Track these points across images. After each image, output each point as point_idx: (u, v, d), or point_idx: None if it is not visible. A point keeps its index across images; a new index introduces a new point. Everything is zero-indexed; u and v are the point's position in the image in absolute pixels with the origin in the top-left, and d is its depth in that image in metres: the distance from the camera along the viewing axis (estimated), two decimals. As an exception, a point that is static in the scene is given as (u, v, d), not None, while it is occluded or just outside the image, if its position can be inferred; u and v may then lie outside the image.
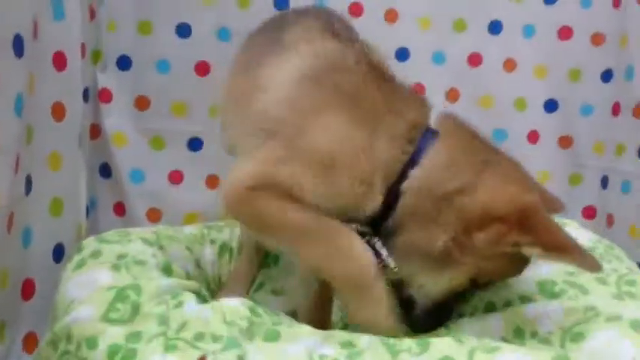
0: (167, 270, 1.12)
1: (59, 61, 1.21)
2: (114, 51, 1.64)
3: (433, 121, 1.04)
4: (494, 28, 1.76)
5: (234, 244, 1.41)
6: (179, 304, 0.95)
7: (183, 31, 1.65)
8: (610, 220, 1.75)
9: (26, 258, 1.19)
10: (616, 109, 1.74)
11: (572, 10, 1.75)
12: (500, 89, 1.79)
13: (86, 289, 0.97)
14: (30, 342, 1.19)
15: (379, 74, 1.03)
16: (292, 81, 1.02)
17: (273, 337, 0.86)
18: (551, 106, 1.80)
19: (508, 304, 1.01)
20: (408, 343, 0.83)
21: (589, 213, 1.83)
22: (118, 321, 0.90)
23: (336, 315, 1.22)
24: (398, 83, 1.06)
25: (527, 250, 0.87)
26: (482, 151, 0.98)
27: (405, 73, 1.67)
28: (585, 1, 1.74)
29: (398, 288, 0.97)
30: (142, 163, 1.69)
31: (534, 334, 0.93)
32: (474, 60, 1.78)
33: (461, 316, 1.02)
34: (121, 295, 0.94)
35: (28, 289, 1.19)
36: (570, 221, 1.29)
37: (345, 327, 1.16)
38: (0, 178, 1.05)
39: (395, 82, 1.05)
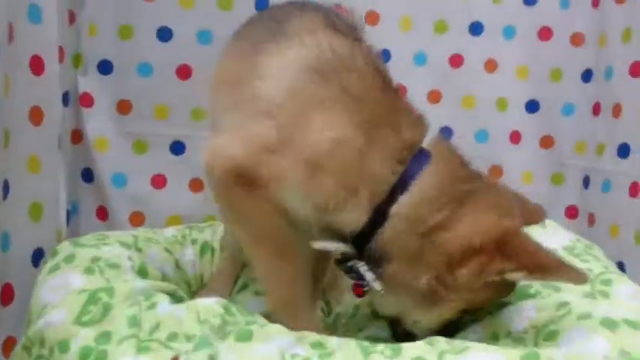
0: (142, 272, 1.13)
1: (36, 64, 1.21)
2: (95, 55, 1.64)
3: (427, 143, 0.99)
4: (475, 29, 1.78)
5: (216, 244, 1.42)
6: (152, 306, 0.95)
7: (164, 34, 1.65)
8: (591, 220, 1.76)
9: (5, 262, 1.18)
10: (596, 109, 1.75)
11: (551, 10, 1.76)
12: (481, 90, 1.80)
13: (59, 293, 0.97)
14: (9, 347, 1.18)
15: (384, 81, 1.00)
16: (296, 70, 0.98)
17: (245, 336, 0.86)
18: (532, 106, 1.81)
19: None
20: (382, 346, 0.84)
21: (571, 212, 1.84)
22: (90, 323, 0.90)
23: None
24: (399, 95, 1.02)
25: (511, 276, 0.86)
26: (467, 181, 0.94)
27: (386, 74, 1.73)
28: (564, 1, 1.76)
29: (395, 324, 0.99)
30: (125, 167, 1.69)
31: (508, 334, 0.93)
32: (456, 61, 1.79)
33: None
34: (93, 297, 0.94)
35: (6, 294, 1.19)
36: (549, 221, 1.30)
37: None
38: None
39: (397, 94, 1.02)
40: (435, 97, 1.80)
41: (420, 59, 1.78)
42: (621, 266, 1.56)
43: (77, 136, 1.65)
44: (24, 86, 1.19)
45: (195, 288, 1.37)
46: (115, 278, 1.03)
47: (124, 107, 1.67)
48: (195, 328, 0.89)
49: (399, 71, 1.72)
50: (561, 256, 0.87)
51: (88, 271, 1.03)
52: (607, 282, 0.99)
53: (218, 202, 1.04)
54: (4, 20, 1.10)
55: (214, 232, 1.44)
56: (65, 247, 1.11)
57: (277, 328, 0.89)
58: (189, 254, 1.40)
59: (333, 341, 0.85)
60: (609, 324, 0.85)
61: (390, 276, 0.92)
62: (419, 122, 0.99)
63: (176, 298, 1.03)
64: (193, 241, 1.42)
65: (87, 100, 1.65)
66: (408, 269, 0.90)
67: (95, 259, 1.07)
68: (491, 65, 1.79)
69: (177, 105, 1.68)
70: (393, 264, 0.91)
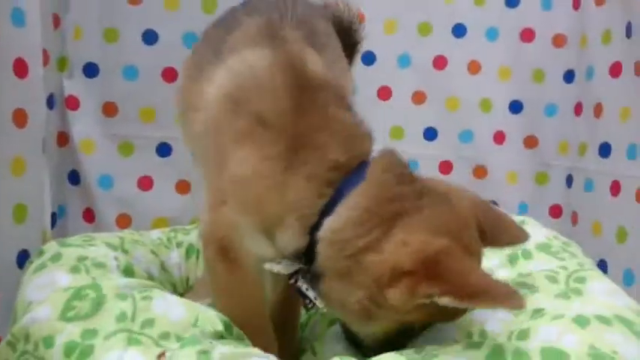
0: (128, 272, 1.13)
1: (20, 68, 1.21)
2: (80, 58, 1.66)
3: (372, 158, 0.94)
4: (459, 31, 1.80)
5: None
6: (147, 298, 0.96)
7: (150, 37, 1.67)
8: (574, 219, 1.78)
9: (-11, 264, 1.19)
10: (578, 109, 1.77)
11: (533, 12, 1.79)
12: (465, 91, 1.82)
13: (44, 291, 0.98)
14: (-6, 347, 1.19)
15: (310, 98, 0.92)
16: (217, 100, 0.96)
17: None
18: (515, 107, 1.83)
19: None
20: None
21: (555, 212, 1.86)
22: (75, 318, 0.91)
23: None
24: (334, 110, 0.92)
25: (440, 301, 0.78)
26: (402, 199, 0.87)
27: (371, 76, 1.75)
28: (546, 3, 1.78)
29: (346, 331, 0.98)
30: (111, 169, 1.71)
31: (483, 334, 0.94)
32: (439, 63, 1.81)
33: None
34: (78, 294, 0.94)
35: (-9, 296, 1.20)
36: (529, 219, 1.31)
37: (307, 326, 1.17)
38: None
39: (329, 109, 0.92)
40: (419, 98, 1.82)
41: (405, 61, 1.80)
42: (604, 264, 1.58)
43: (63, 138, 1.66)
44: (8, 89, 1.19)
45: (181, 290, 1.38)
46: (101, 277, 1.04)
47: (109, 110, 1.69)
48: (188, 331, 0.91)
49: (383, 73, 1.79)
50: (501, 281, 0.80)
51: (74, 269, 1.04)
52: (581, 279, 1.00)
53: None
54: (-13, 23, 1.12)
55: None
56: (51, 247, 1.12)
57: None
58: (175, 257, 1.40)
59: None
60: (581, 321, 0.86)
61: (326, 294, 0.90)
62: (353, 139, 0.92)
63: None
64: (179, 244, 1.43)
65: (73, 103, 1.66)
66: (341, 288, 0.88)
67: (81, 259, 1.08)
68: (474, 67, 1.81)
69: (163, 107, 1.69)
70: (328, 282, 0.89)
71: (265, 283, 1.04)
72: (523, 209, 1.83)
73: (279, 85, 0.92)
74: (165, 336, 0.90)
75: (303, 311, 1.14)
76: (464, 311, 0.87)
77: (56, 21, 1.59)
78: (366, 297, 0.84)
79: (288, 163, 0.88)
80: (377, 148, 0.95)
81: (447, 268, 0.79)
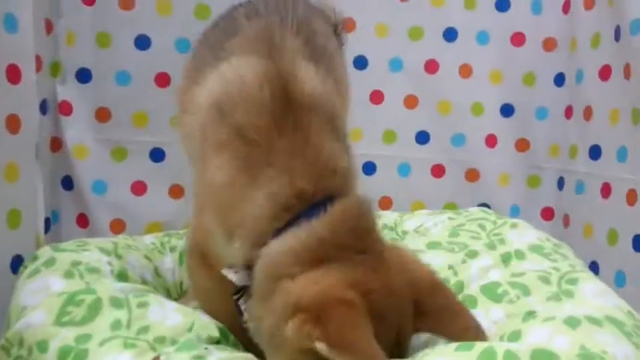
0: (122, 277, 1.14)
1: (13, 73, 1.22)
2: (73, 64, 1.66)
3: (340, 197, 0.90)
4: (450, 35, 1.81)
5: (195, 251, 1.43)
6: (143, 305, 0.97)
7: (143, 42, 1.67)
8: (566, 221, 1.79)
9: (-17, 270, 1.19)
10: (569, 112, 1.78)
11: (523, 16, 1.80)
12: (457, 95, 1.83)
13: (38, 296, 0.98)
14: (-12, 353, 1.19)
15: (294, 118, 0.91)
16: (206, 106, 0.97)
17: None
18: (507, 110, 1.85)
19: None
20: None
21: (547, 214, 1.87)
22: (69, 324, 0.91)
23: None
24: (316, 137, 0.91)
25: (317, 345, 0.76)
26: (343, 249, 0.86)
27: (363, 80, 1.76)
28: (536, 7, 1.79)
29: None
30: (104, 174, 1.71)
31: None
32: (431, 67, 1.82)
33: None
34: (73, 299, 0.95)
35: (-15, 301, 1.20)
36: (521, 221, 1.33)
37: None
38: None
39: (311, 134, 0.91)
40: (411, 102, 1.83)
41: (396, 65, 1.81)
42: (595, 266, 1.59)
43: (56, 144, 1.67)
44: (1, 95, 1.20)
45: (175, 295, 1.38)
46: (94, 282, 1.05)
47: (103, 115, 1.69)
48: (183, 335, 0.92)
49: (375, 77, 1.80)
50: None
51: (68, 274, 1.05)
52: (573, 281, 1.01)
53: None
54: (-21, 30, 1.12)
55: (193, 239, 1.45)
56: (45, 252, 1.12)
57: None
58: (169, 262, 1.41)
59: None
60: (572, 322, 0.87)
61: (250, 315, 0.92)
62: (325, 172, 0.90)
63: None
64: (172, 249, 1.43)
65: (66, 109, 1.67)
66: (260, 311, 0.88)
67: (75, 264, 1.08)
68: (465, 70, 1.82)
69: (156, 112, 1.70)
70: (252, 303, 0.90)
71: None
72: (515, 212, 1.84)
73: (265, 100, 0.91)
74: (160, 340, 0.91)
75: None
76: None
77: (49, 26, 1.59)
78: (275, 325, 0.83)
79: (254, 179, 0.89)
80: (359, 190, 0.95)
81: (336, 317, 0.77)
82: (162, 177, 1.72)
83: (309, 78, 0.96)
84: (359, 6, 1.75)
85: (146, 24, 1.67)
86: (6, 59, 1.21)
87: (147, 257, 1.33)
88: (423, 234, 1.42)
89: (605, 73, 1.60)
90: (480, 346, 0.78)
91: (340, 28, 1.37)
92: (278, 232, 0.88)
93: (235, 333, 1.00)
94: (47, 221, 1.62)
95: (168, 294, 1.34)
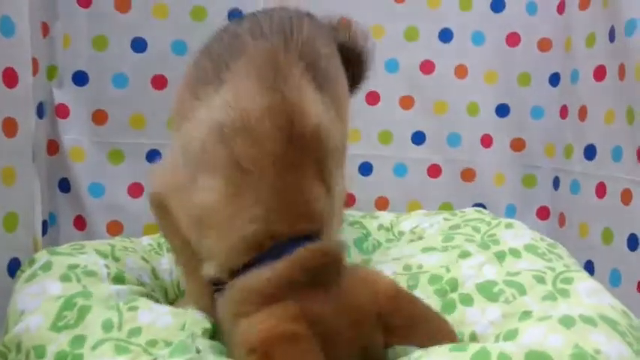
0: (119, 280, 1.14)
1: (9, 77, 1.22)
2: (70, 67, 1.66)
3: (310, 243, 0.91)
4: (445, 36, 1.81)
5: (192, 252, 1.43)
6: (133, 309, 0.97)
7: (139, 45, 1.67)
8: (562, 221, 1.80)
9: (-19, 273, 1.20)
10: (564, 112, 1.79)
11: (518, 17, 1.80)
12: (452, 95, 1.84)
13: (36, 300, 0.99)
14: (-15, 357, 1.19)
15: (289, 158, 0.92)
16: (208, 126, 0.97)
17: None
18: (502, 110, 1.85)
19: (450, 304, 1.05)
20: None
21: (543, 214, 1.88)
22: (65, 328, 0.92)
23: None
24: (302, 180, 0.93)
25: None
26: (297, 288, 0.86)
27: (359, 81, 1.77)
28: (531, 8, 1.80)
29: None
30: (101, 176, 1.71)
31: (472, 336, 0.97)
32: (427, 67, 1.82)
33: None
34: (69, 303, 0.96)
35: (-18, 304, 1.20)
36: (516, 222, 1.33)
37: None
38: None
39: (299, 177, 0.92)
40: (407, 103, 1.83)
41: (392, 66, 1.82)
42: (590, 265, 1.60)
43: (53, 146, 1.67)
44: (-3, 98, 1.21)
45: (172, 296, 1.38)
46: (91, 285, 1.05)
47: (99, 118, 1.69)
48: (176, 336, 0.92)
49: (371, 78, 1.79)
50: None
51: (65, 278, 1.05)
52: (568, 280, 1.01)
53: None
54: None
55: (190, 240, 1.46)
56: (42, 256, 1.12)
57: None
58: (166, 263, 1.41)
59: None
60: (566, 322, 0.88)
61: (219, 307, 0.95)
62: (302, 217, 0.92)
63: (154, 299, 1.05)
64: (169, 250, 1.44)
65: (63, 112, 1.67)
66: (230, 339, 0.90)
67: (72, 267, 1.09)
68: (461, 71, 1.83)
69: (152, 115, 1.71)
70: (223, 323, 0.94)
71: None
72: (511, 211, 1.85)
73: (267, 134, 0.92)
74: (152, 343, 0.92)
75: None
76: None
77: (45, 30, 1.60)
78: (240, 356, 0.85)
79: (238, 209, 0.91)
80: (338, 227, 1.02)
81: (280, 353, 0.79)
82: (160, 179, 1.72)
83: (313, 110, 0.96)
84: (355, 8, 1.74)
85: (142, 27, 1.67)
86: (3, 63, 1.21)
87: (144, 259, 1.33)
88: (419, 235, 1.43)
89: (600, 73, 1.61)
90: (473, 347, 0.78)
91: (366, 55, 1.39)
92: (245, 267, 0.90)
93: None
94: (44, 224, 1.63)
95: (166, 295, 1.35)
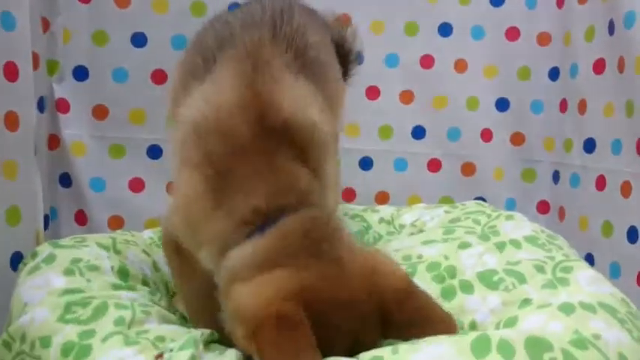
0: (123, 273, 1.15)
1: (10, 71, 1.23)
2: (70, 62, 1.67)
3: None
4: (444, 30, 1.82)
5: (193, 247, 1.44)
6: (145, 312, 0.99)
7: (139, 40, 1.68)
8: (562, 214, 1.80)
9: (-17, 267, 1.20)
10: (563, 106, 1.79)
11: (518, 11, 1.81)
12: (452, 90, 1.84)
13: (40, 293, 0.99)
14: (-12, 349, 1.20)
15: (262, 145, 0.96)
16: (187, 121, 1.01)
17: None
18: (502, 104, 1.86)
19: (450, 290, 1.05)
20: None
21: (543, 208, 1.88)
22: (74, 321, 0.93)
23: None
24: (282, 161, 0.96)
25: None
26: (290, 255, 0.88)
27: (359, 76, 1.76)
28: (530, 2, 1.80)
29: None
30: (102, 171, 1.72)
31: (472, 325, 0.97)
32: (426, 62, 1.83)
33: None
34: (81, 300, 0.97)
35: (-15, 298, 1.20)
36: (517, 214, 1.34)
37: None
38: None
39: (277, 159, 0.96)
40: (407, 97, 1.84)
41: (392, 61, 1.82)
42: (590, 258, 1.61)
43: (54, 141, 1.68)
44: (-1, 92, 1.21)
45: (173, 290, 1.39)
46: (95, 279, 1.06)
47: (100, 112, 1.70)
48: (183, 335, 0.93)
49: (371, 73, 1.80)
50: None
51: (68, 271, 1.06)
52: (567, 269, 1.02)
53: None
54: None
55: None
56: (45, 249, 1.13)
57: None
58: (167, 256, 1.42)
59: None
60: (566, 309, 0.88)
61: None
62: (279, 191, 0.94)
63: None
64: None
65: (63, 106, 1.68)
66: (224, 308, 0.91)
67: (75, 261, 1.09)
68: (460, 65, 1.83)
69: (153, 109, 1.71)
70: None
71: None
72: (511, 205, 1.86)
73: (236, 130, 0.96)
74: (160, 339, 0.93)
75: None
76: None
77: (45, 25, 1.60)
78: (231, 327, 0.86)
79: (218, 200, 0.95)
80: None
81: (269, 334, 0.79)
82: (160, 173, 1.73)
83: (287, 104, 0.99)
84: (355, 3, 1.76)
85: (142, 21, 1.68)
86: (4, 56, 1.22)
87: (145, 252, 1.34)
88: (420, 228, 1.43)
89: (599, 66, 1.61)
90: (474, 333, 0.79)
91: (353, 56, 1.40)
92: (237, 245, 0.93)
93: (207, 306, 1.03)
94: (46, 218, 1.63)
95: (167, 288, 1.35)
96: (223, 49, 1.07)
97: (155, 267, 1.34)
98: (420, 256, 1.17)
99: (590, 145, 1.66)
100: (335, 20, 1.39)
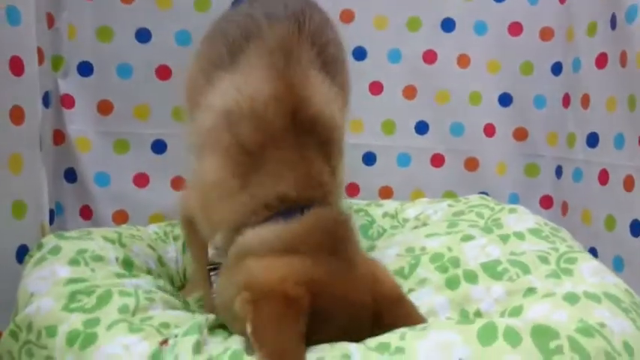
0: (128, 264, 1.16)
1: (16, 65, 1.23)
2: (75, 57, 1.68)
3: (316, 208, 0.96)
4: (447, 25, 1.82)
5: (198, 240, 1.45)
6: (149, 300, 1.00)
7: (143, 35, 1.69)
8: (565, 209, 1.81)
9: (-11, 259, 1.21)
10: (566, 101, 1.80)
11: (520, 6, 1.81)
12: (455, 85, 1.84)
13: (46, 283, 1.00)
14: (-7, 342, 1.20)
15: (293, 138, 0.98)
16: (217, 110, 1.03)
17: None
18: (505, 99, 1.86)
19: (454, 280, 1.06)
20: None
21: (546, 202, 1.89)
22: (79, 310, 0.94)
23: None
24: (308, 154, 0.99)
25: (247, 327, 0.81)
26: (310, 246, 0.90)
27: (362, 72, 1.78)
28: (533, -3, 1.81)
29: None
30: (107, 166, 1.73)
31: (477, 314, 0.98)
32: (429, 57, 1.83)
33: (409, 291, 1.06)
34: (86, 289, 0.98)
35: (-10, 290, 1.21)
36: (520, 207, 1.34)
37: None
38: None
39: (305, 152, 0.99)
40: (410, 92, 1.84)
41: (395, 56, 1.83)
42: (593, 252, 1.61)
43: (59, 136, 1.68)
44: (4, 86, 1.21)
45: (178, 284, 1.40)
46: (100, 269, 1.07)
47: (104, 108, 1.71)
48: (187, 321, 0.94)
49: (374, 68, 1.81)
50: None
51: (74, 262, 1.07)
52: (571, 260, 1.02)
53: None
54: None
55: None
56: (50, 240, 1.14)
57: None
58: (172, 251, 1.43)
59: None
60: (571, 298, 0.89)
61: (216, 285, 0.99)
62: (309, 184, 0.97)
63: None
64: (175, 238, 1.45)
65: (68, 102, 1.68)
66: (223, 282, 0.95)
67: (80, 252, 1.10)
68: (463, 60, 1.83)
69: (157, 104, 1.72)
70: (219, 277, 0.98)
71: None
72: (514, 200, 1.86)
73: (270, 121, 0.99)
74: (165, 325, 0.94)
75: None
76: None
77: (50, 20, 1.61)
78: (230, 298, 0.87)
79: (244, 183, 0.97)
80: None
81: (269, 309, 0.81)
82: (164, 168, 1.74)
83: (317, 98, 1.02)
84: (359, -2, 1.77)
85: (146, 17, 1.68)
86: (9, 51, 1.22)
87: (150, 246, 1.35)
88: (424, 222, 1.44)
89: (601, 61, 1.61)
90: (480, 320, 0.79)
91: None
92: (255, 225, 0.95)
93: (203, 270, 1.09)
94: (51, 213, 1.64)
95: (172, 282, 1.36)
96: (250, 40, 1.08)
97: (160, 261, 1.35)
98: (423, 248, 1.18)
99: (592, 140, 1.66)
100: None
